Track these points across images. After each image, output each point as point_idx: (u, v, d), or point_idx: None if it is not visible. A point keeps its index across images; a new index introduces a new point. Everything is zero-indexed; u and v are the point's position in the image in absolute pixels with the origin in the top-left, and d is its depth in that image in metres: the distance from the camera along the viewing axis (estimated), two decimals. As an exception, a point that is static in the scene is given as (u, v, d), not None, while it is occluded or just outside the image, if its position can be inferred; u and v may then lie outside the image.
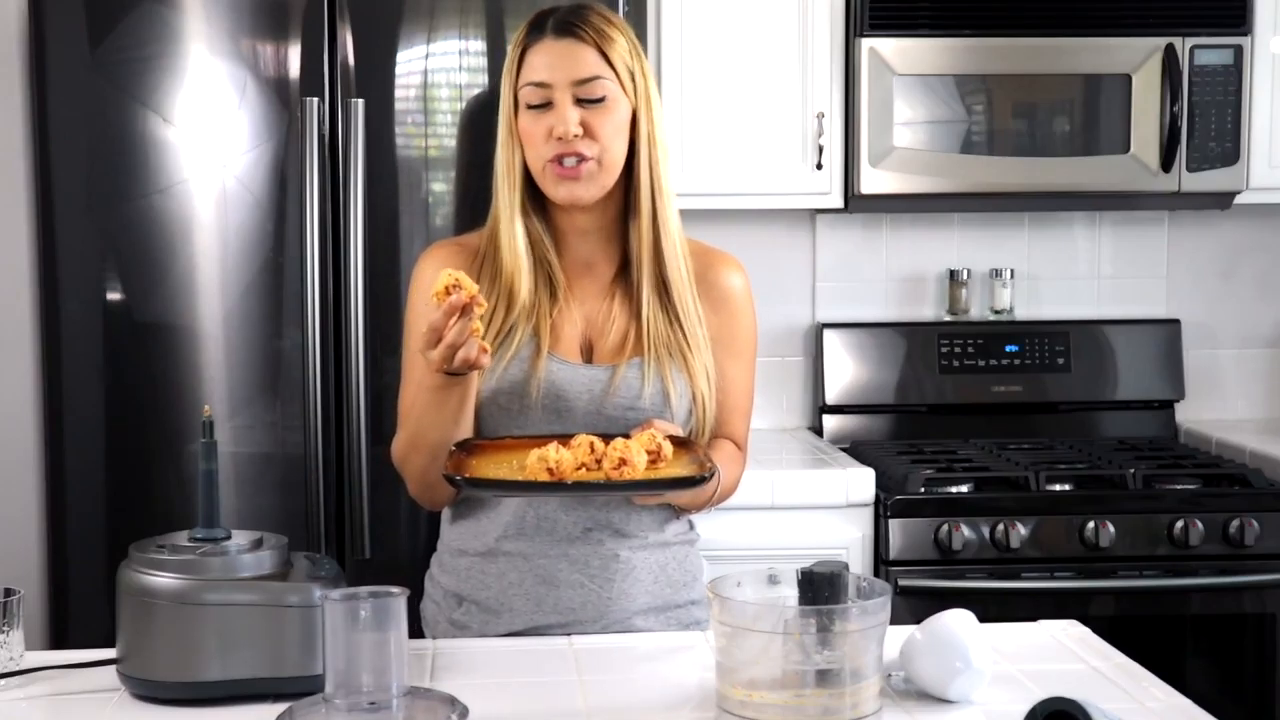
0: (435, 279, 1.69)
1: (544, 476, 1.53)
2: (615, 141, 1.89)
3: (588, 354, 1.95)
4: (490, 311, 1.91)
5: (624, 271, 1.97)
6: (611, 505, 1.91)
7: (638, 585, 1.93)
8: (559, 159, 1.87)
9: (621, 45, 1.90)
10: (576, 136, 1.86)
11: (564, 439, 1.73)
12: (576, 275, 1.98)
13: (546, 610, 1.90)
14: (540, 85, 1.88)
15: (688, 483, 1.54)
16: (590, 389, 1.90)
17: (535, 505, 1.90)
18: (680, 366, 1.92)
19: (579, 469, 1.64)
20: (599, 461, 1.65)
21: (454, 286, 1.66)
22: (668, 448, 1.69)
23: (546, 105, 1.88)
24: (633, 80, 1.90)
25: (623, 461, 1.58)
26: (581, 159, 1.87)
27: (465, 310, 1.66)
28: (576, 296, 1.97)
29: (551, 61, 1.88)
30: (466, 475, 1.60)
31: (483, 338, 1.70)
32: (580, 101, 1.87)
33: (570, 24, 1.89)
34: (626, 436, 1.75)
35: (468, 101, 2.66)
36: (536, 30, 1.91)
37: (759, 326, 2.08)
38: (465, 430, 1.86)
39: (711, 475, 1.63)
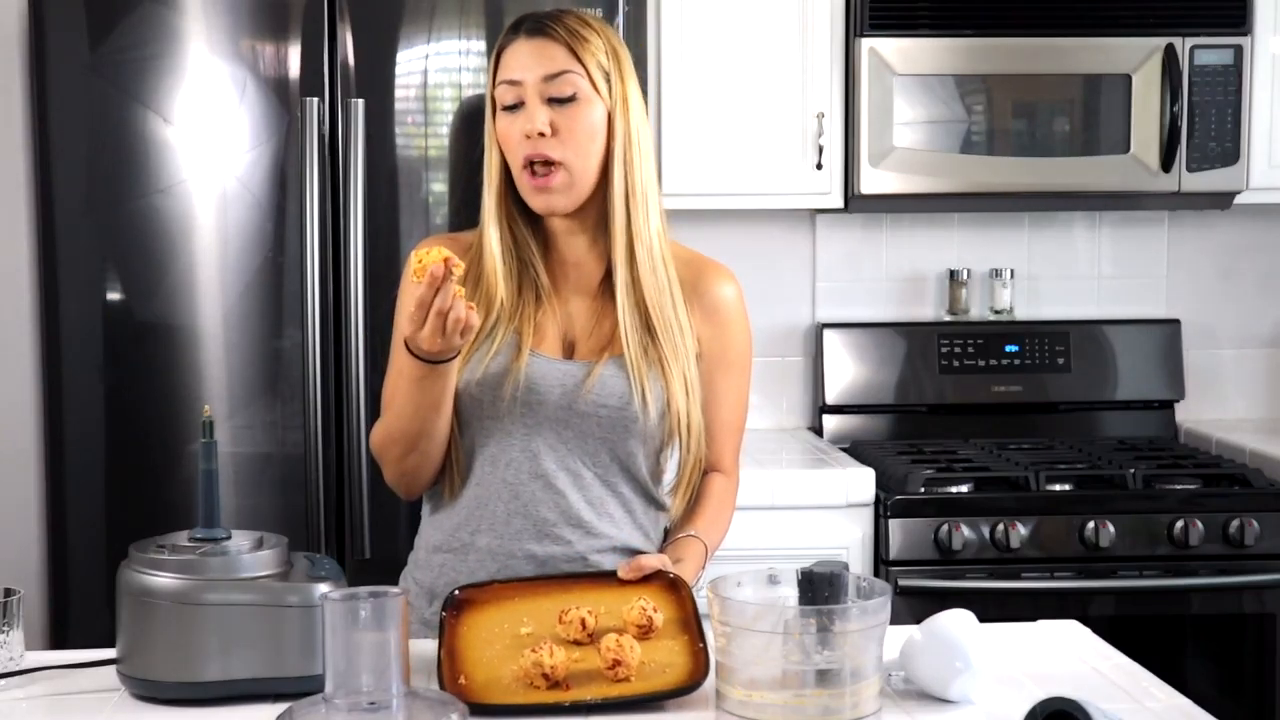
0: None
1: (540, 684, 1.54)
2: (587, 145, 1.87)
3: (569, 351, 1.94)
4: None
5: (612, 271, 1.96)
6: (580, 501, 1.90)
7: None
8: (530, 165, 1.87)
9: (596, 45, 1.88)
10: (543, 136, 1.85)
11: (549, 581, 1.78)
12: (565, 274, 1.96)
13: None
14: (512, 84, 1.87)
15: (683, 691, 1.53)
16: (564, 383, 1.89)
17: (497, 501, 1.90)
18: (658, 373, 1.90)
19: (573, 643, 1.64)
20: (591, 636, 1.64)
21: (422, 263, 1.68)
22: (658, 619, 1.66)
23: (519, 106, 1.88)
24: (608, 82, 1.88)
25: (616, 662, 1.57)
26: (549, 163, 1.86)
27: (445, 277, 1.67)
28: (563, 296, 1.96)
29: (522, 60, 1.88)
30: (461, 664, 1.59)
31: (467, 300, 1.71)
32: (551, 102, 1.86)
33: (543, 24, 1.89)
34: (610, 574, 1.77)
35: (467, 102, 2.66)
36: (512, 32, 1.92)
37: (758, 328, 2.05)
38: (445, 421, 1.85)
39: (702, 680, 1.57)
